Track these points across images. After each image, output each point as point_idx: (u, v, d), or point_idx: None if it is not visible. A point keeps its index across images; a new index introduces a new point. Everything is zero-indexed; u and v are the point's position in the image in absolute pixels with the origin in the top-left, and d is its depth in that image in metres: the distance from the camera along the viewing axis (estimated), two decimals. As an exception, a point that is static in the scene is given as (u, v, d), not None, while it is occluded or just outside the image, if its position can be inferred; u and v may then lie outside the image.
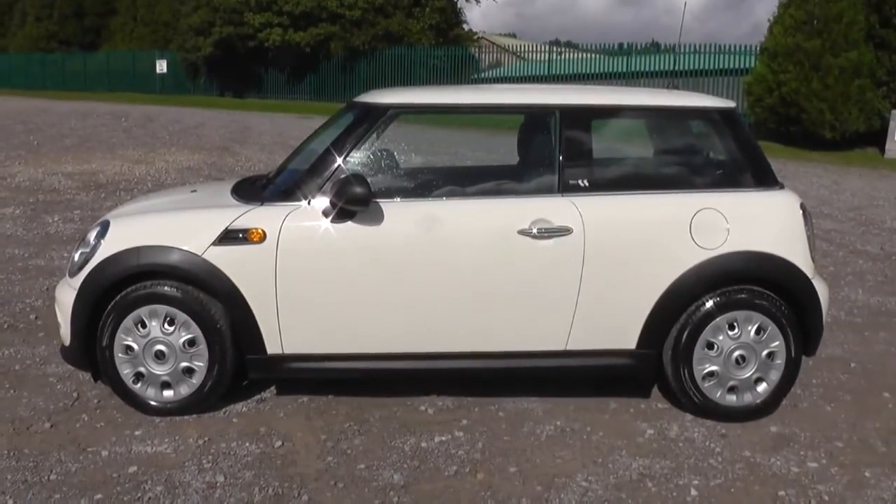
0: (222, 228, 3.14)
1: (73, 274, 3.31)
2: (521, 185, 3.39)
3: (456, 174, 3.80)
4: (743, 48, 18.17)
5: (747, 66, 17.40)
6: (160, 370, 3.24)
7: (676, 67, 19.67)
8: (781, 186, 3.41)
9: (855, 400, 3.62)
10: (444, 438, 3.12)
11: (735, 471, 2.94)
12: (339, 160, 3.21)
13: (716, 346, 3.27)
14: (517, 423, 3.27)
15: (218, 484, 2.75)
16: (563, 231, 3.15)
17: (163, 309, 3.19)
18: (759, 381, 3.31)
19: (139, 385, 3.26)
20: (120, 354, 3.23)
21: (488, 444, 3.09)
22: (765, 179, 3.37)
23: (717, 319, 3.24)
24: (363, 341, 3.23)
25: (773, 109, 15.30)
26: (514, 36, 46.80)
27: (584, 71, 22.22)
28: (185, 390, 3.26)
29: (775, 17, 15.68)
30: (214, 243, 3.14)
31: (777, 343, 3.28)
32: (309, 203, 3.17)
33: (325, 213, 3.14)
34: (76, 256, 3.34)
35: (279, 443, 3.06)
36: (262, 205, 3.22)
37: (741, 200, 3.30)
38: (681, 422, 3.33)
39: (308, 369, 3.27)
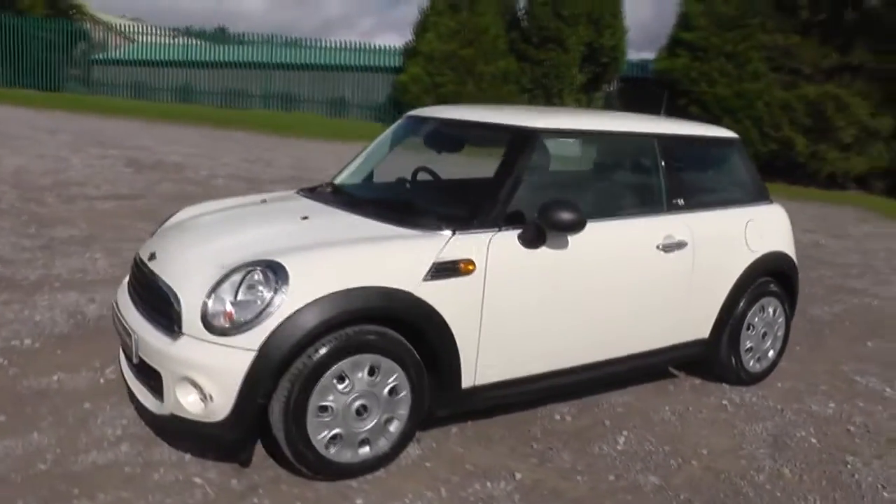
0: (430, 261, 2.92)
1: (228, 332, 2.68)
2: (643, 205, 3.77)
3: (593, 192, 3.98)
4: (388, 48, 19.98)
5: (392, 64, 19.18)
6: (361, 427, 2.86)
7: (328, 62, 20.59)
8: (771, 200, 4.40)
9: (811, 348, 4.86)
10: (626, 436, 3.41)
11: (817, 424, 3.80)
12: (515, 185, 3.22)
13: (752, 327, 4.13)
14: (651, 415, 3.68)
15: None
16: (682, 245, 3.67)
17: (367, 358, 2.83)
18: (770, 348, 4.28)
19: (332, 449, 2.83)
20: (313, 418, 2.76)
21: (678, 439, 3.44)
22: (767, 195, 4.32)
23: (755, 306, 4.10)
24: (547, 360, 3.32)
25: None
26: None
27: (197, 58, 21.81)
28: (383, 444, 2.94)
29: (422, 23, 17.55)
30: (426, 278, 2.90)
31: (782, 319, 4.28)
32: (500, 229, 3.12)
33: (523, 239, 3.14)
34: (234, 311, 2.69)
35: (518, 475, 3.00)
36: (454, 233, 3.05)
37: (765, 212, 4.21)
38: (728, 390, 4.10)
39: (496, 397, 3.23)
